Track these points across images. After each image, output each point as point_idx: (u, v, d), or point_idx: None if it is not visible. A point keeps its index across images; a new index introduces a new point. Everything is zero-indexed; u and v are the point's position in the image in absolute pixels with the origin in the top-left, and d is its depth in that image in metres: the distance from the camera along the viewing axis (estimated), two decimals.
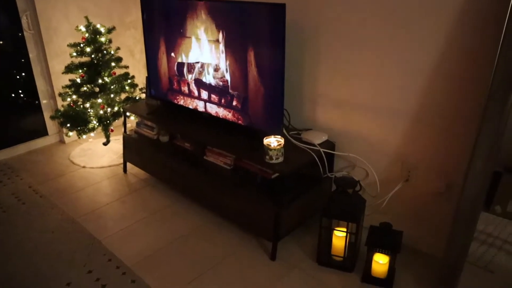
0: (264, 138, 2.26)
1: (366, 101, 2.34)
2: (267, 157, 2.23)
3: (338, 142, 2.54)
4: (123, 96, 3.55)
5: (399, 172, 2.33)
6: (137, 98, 3.54)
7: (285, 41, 2.15)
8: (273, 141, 2.24)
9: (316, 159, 2.36)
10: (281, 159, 2.24)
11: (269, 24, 2.17)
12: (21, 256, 2.37)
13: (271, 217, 2.27)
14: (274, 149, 2.20)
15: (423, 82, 2.08)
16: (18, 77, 3.62)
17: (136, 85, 3.58)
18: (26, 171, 3.36)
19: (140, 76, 3.84)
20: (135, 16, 3.55)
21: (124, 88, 3.48)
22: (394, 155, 2.32)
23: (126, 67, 3.52)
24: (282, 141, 2.23)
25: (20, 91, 3.64)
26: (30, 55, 3.61)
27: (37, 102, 3.77)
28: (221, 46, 2.45)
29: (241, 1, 2.27)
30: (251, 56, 2.30)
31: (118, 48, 3.49)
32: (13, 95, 3.61)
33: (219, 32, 2.43)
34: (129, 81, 3.53)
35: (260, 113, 2.39)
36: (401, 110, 2.20)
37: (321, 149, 2.40)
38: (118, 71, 3.50)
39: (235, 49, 2.38)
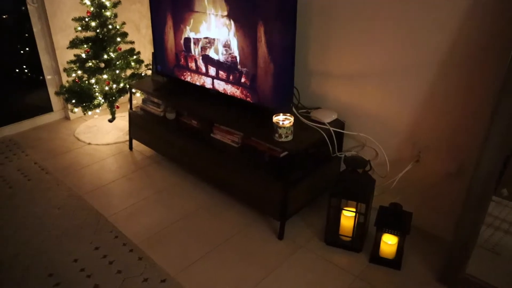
0: (274, 116, 2.21)
1: (377, 78, 2.28)
2: (277, 135, 2.19)
3: (348, 121, 2.49)
4: (128, 72, 3.49)
5: (409, 153, 2.29)
6: (142, 74, 3.49)
7: (296, 16, 2.08)
8: (283, 119, 2.19)
9: (326, 138, 2.32)
10: (290, 138, 2.20)
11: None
12: (27, 232, 2.37)
13: (279, 196, 2.25)
14: (284, 127, 2.16)
15: (438, 58, 2.01)
16: (22, 52, 3.56)
17: (142, 61, 3.52)
18: (31, 147, 3.34)
19: (145, 52, 3.78)
20: None
21: (130, 64, 3.42)
22: (404, 135, 2.27)
23: (132, 42, 3.46)
24: (291, 119, 2.19)
25: (24, 67, 3.59)
26: (34, 30, 3.54)
27: (41, 77, 3.72)
28: (230, 21, 2.38)
29: None
30: (260, 32, 2.24)
31: (124, 23, 3.42)
32: (17, 70, 3.56)
33: (228, 6, 2.35)
34: (134, 57, 3.46)
35: (269, 91, 2.34)
36: (413, 88, 2.15)
37: (331, 128, 2.35)
38: (124, 47, 3.44)
39: (244, 24, 2.31)
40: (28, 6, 3.45)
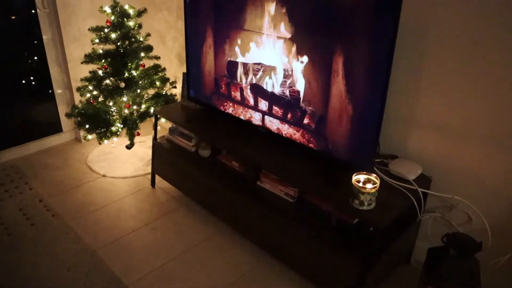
0: (353, 176, 1.69)
1: (478, 127, 1.76)
2: (357, 201, 1.67)
3: (435, 177, 1.96)
4: (150, 91, 2.98)
5: None
6: (168, 94, 2.97)
7: (394, 48, 1.56)
8: (365, 180, 1.67)
9: (415, 202, 1.80)
10: (373, 205, 1.68)
11: (374, 23, 1.57)
12: None
13: (353, 273, 1.73)
14: (368, 193, 1.64)
15: None
16: (29, 61, 3.05)
17: (168, 79, 3.00)
18: (36, 177, 2.83)
19: (171, 67, 3.26)
20: None
21: (154, 83, 2.90)
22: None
23: (157, 58, 2.94)
24: (377, 182, 1.66)
25: (31, 78, 3.08)
26: (44, 37, 3.04)
27: (50, 91, 3.22)
28: (294, 47, 1.86)
29: None
30: (338, 64, 1.72)
31: (148, 35, 2.91)
32: (23, 81, 3.05)
33: (293, 27, 1.83)
34: (159, 74, 2.95)
35: (343, 139, 1.82)
36: None
37: (419, 189, 1.83)
38: (147, 63, 2.92)
39: (315, 52, 1.79)
40: (38, 11, 2.95)
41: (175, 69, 3.27)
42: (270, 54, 1.99)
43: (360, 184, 1.66)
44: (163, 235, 2.34)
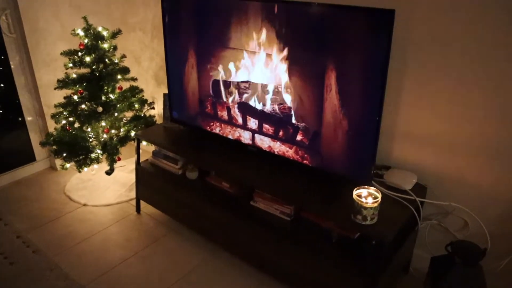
0: (354, 190, 1.67)
1: (467, 134, 1.78)
2: (359, 217, 1.64)
3: (429, 184, 1.97)
4: (128, 114, 2.88)
5: None
6: (147, 116, 2.88)
7: (388, 62, 1.55)
8: (366, 195, 1.65)
9: (415, 212, 1.79)
10: (376, 219, 1.66)
11: (367, 38, 1.57)
12: None
13: None
14: (371, 208, 1.61)
15: None
16: None
17: (146, 101, 2.91)
18: (11, 212, 2.67)
19: (148, 88, 3.18)
20: (142, 16, 2.89)
21: (133, 105, 2.81)
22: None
23: (134, 79, 2.85)
24: (379, 196, 1.64)
25: None
26: (12, 64, 2.90)
27: (20, 119, 3.06)
28: (283, 63, 1.84)
29: (325, 4, 1.65)
30: (331, 79, 1.70)
31: (124, 56, 2.82)
32: None
33: (281, 43, 1.81)
34: (137, 96, 2.86)
35: (339, 154, 1.80)
36: None
37: (417, 199, 1.82)
38: (124, 85, 2.83)
39: (306, 68, 1.77)
40: (4, 36, 2.81)
41: (151, 89, 3.19)
42: (258, 72, 1.95)
43: (362, 199, 1.63)
44: (154, 263, 2.23)
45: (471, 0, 1.60)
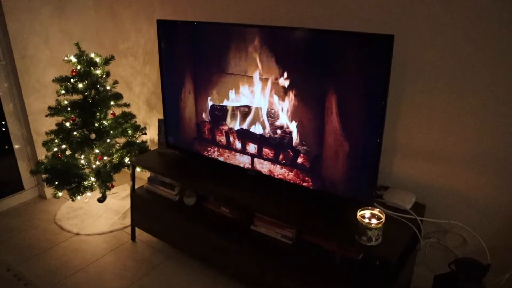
0: (358, 211, 1.68)
1: (463, 151, 1.83)
2: (364, 238, 1.65)
3: (427, 202, 2.01)
4: (120, 140, 2.85)
5: None
6: (140, 142, 2.86)
7: (388, 85, 1.60)
8: (370, 216, 1.67)
9: (417, 232, 1.81)
10: (380, 240, 1.68)
11: (367, 62, 1.61)
12: None
13: None
14: (376, 229, 1.63)
15: None
16: None
17: (139, 127, 2.90)
18: (0, 244, 2.58)
19: (140, 113, 3.16)
20: (134, 41, 2.90)
21: (126, 131, 2.79)
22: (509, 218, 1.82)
23: (127, 105, 2.84)
24: (383, 217, 1.66)
25: None
26: (0, 91, 2.85)
27: (7, 147, 3.00)
28: (283, 88, 1.87)
29: (324, 30, 1.70)
30: (331, 103, 1.73)
31: (116, 82, 2.81)
32: None
33: (281, 68, 1.84)
34: (130, 122, 2.84)
35: (341, 176, 1.82)
36: None
37: (418, 218, 1.85)
38: (117, 111, 2.82)
39: (306, 92, 1.81)
40: None
41: (143, 115, 3.18)
42: (257, 96, 1.98)
43: (366, 220, 1.65)
44: None
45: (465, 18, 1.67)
